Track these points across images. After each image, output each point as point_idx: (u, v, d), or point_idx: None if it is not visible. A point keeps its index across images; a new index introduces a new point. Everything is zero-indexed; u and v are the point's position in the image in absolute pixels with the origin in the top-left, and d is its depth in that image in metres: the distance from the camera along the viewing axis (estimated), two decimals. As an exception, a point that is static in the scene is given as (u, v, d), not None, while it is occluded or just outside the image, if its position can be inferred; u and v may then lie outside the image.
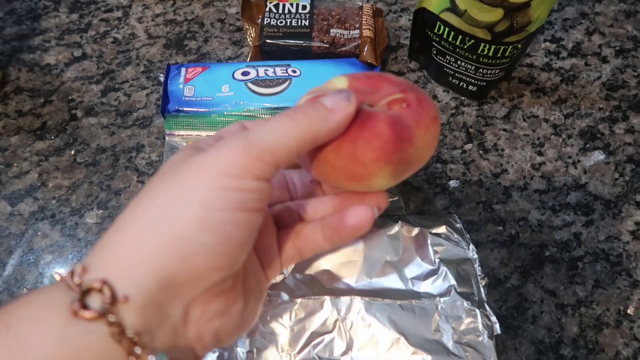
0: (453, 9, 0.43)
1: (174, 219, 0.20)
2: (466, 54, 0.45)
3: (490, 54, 0.44)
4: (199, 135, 0.45)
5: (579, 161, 0.47)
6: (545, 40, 0.54)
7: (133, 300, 0.19)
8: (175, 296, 0.21)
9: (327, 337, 0.34)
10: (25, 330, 0.18)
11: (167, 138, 0.44)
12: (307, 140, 0.23)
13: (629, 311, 0.40)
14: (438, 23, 0.45)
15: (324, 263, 0.38)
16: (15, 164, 0.46)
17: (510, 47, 0.43)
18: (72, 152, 0.47)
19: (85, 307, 0.19)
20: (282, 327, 0.35)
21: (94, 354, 0.18)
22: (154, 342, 0.20)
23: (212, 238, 0.20)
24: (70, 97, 0.50)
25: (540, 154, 0.47)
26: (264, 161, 0.21)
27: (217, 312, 0.23)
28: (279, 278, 0.38)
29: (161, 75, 0.52)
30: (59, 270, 0.22)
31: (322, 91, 0.27)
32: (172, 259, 0.20)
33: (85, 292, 0.19)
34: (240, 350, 0.34)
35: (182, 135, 0.44)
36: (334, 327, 0.35)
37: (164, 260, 0.20)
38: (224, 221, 0.21)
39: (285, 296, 0.36)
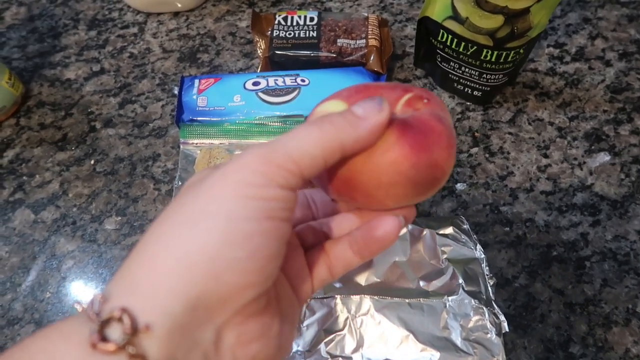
0: (455, 16, 0.44)
1: (197, 234, 0.19)
2: (470, 60, 0.47)
3: (493, 59, 0.45)
4: (212, 143, 0.46)
5: (584, 163, 0.47)
6: (548, 46, 0.55)
7: (156, 328, 0.17)
8: (205, 320, 0.19)
9: (339, 335, 0.35)
10: None
11: (181, 146, 0.46)
12: (334, 148, 0.20)
13: (637, 309, 0.40)
14: (441, 31, 0.46)
15: (334, 264, 0.40)
16: (38, 174, 0.48)
17: (512, 52, 0.45)
18: (92, 162, 0.49)
19: (104, 338, 0.17)
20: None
21: None
22: None
23: (240, 252, 0.19)
24: (89, 110, 0.53)
25: (545, 156, 0.48)
26: (287, 169, 0.20)
27: (254, 335, 0.21)
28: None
29: (175, 87, 0.54)
30: (80, 302, 0.20)
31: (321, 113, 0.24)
32: (198, 278, 0.18)
33: (104, 323, 0.17)
34: (254, 348, 0.35)
35: (196, 144, 0.46)
36: (344, 325, 0.36)
37: (190, 280, 0.18)
38: (251, 232, 0.19)
39: (297, 296, 0.37)
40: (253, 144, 0.46)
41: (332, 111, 0.22)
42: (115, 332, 0.17)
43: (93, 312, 0.18)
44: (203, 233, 0.19)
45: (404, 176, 0.21)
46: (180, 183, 0.44)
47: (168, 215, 0.20)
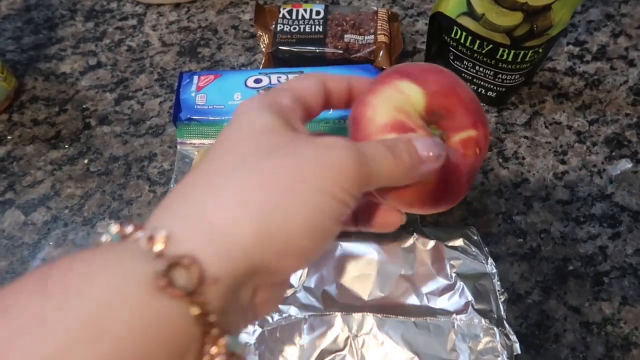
0: (470, 13, 0.41)
1: (282, 210, 0.19)
2: (484, 59, 0.44)
3: (510, 59, 0.43)
4: (211, 143, 0.44)
5: (604, 170, 0.45)
6: (568, 44, 0.52)
7: (221, 283, 0.18)
8: (253, 282, 0.20)
9: (338, 356, 0.33)
10: (103, 298, 0.16)
11: (178, 147, 0.44)
12: (391, 182, 0.23)
13: (659, 330, 0.38)
14: (455, 27, 0.43)
15: (337, 277, 0.37)
16: (29, 173, 0.46)
17: (531, 51, 0.42)
18: (86, 161, 0.47)
19: (170, 283, 0.17)
20: (291, 344, 0.34)
21: (173, 333, 0.17)
22: (229, 324, 0.19)
23: (309, 243, 0.20)
24: (84, 106, 0.50)
25: (563, 162, 0.45)
26: (365, 185, 0.22)
27: (273, 299, 0.23)
28: (289, 292, 0.37)
29: (175, 83, 0.51)
30: (118, 223, 0.19)
31: (398, 101, 0.26)
32: (269, 251, 0.19)
33: (170, 266, 0.17)
34: (249, 367, 0.33)
35: (194, 144, 0.44)
36: (345, 345, 0.34)
37: (261, 250, 0.19)
38: (325, 230, 0.21)
39: (295, 312, 0.35)
40: None
41: (408, 94, 0.25)
42: (181, 278, 0.17)
43: (154, 249, 0.17)
44: (289, 211, 0.19)
45: (427, 207, 0.27)
46: (175, 186, 0.42)
47: (254, 168, 0.20)
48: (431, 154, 0.24)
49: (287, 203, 0.19)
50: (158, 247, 0.17)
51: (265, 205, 0.19)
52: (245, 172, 0.20)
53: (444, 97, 0.27)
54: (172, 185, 0.42)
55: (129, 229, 0.19)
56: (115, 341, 0.16)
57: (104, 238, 0.19)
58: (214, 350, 0.18)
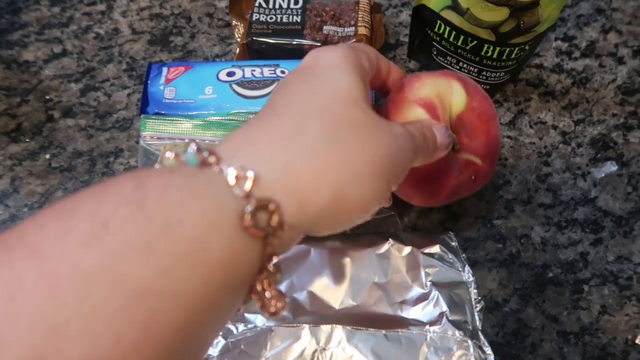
0: (454, 7, 0.39)
1: (355, 189, 0.21)
2: (468, 55, 0.42)
3: (495, 56, 0.41)
4: (180, 139, 0.42)
5: (588, 173, 0.43)
6: (556, 39, 0.50)
7: (294, 229, 0.20)
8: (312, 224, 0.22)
9: (305, 370, 0.32)
10: (199, 230, 0.17)
11: (141, 141, 0.41)
12: (410, 166, 0.25)
13: (637, 341, 0.37)
14: (438, 22, 0.41)
15: (308, 284, 0.36)
16: (-13, 169, 0.44)
17: (517, 49, 0.40)
18: (47, 156, 0.45)
19: (255, 223, 0.18)
20: (256, 358, 0.32)
21: (245, 268, 0.19)
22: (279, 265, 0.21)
23: (356, 220, 0.23)
24: (47, 97, 0.48)
25: (546, 164, 0.44)
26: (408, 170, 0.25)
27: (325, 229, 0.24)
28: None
29: (144, 73, 0.49)
30: (189, 154, 0.20)
31: (443, 92, 0.32)
32: (330, 219, 0.22)
33: (257, 207, 0.18)
34: (212, 381, 0.32)
35: (159, 138, 0.41)
36: (312, 359, 0.32)
37: (327, 215, 0.21)
38: (372, 212, 0.23)
39: (261, 322, 0.33)
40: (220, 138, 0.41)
41: (454, 93, 0.32)
42: (262, 220, 0.19)
43: (243, 189, 0.19)
44: (359, 190, 0.22)
45: (405, 194, 0.36)
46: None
47: (342, 138, 0.22)
48: (444, 143, 0.28)
49: (361, 181, 0.22)
50: (247, 186, 0.19)
51: (345, 176, 0.21)
52: (333, 141, 0.21)
53: (478, 118, 0.32)
54: None
55: (210, 158, 0.19)
56: (209, 269, 0.17)
57: (180, 157, 0.20)
58: (266, 285, 0.20)
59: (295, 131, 0.21)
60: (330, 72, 0.23)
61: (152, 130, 0.41)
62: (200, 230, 0.17)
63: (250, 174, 0.19)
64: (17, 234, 0.16)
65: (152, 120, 0.41)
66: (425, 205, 0.36)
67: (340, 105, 0.22)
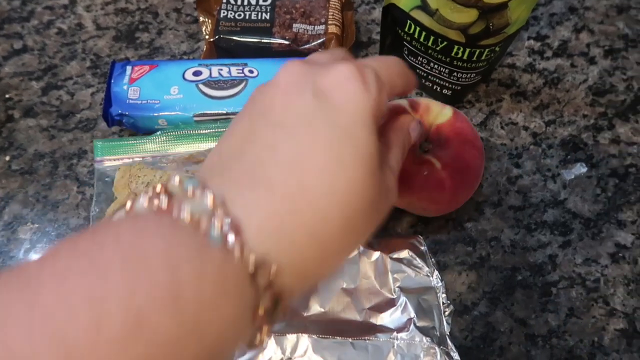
0: (424, 7, 0.38)
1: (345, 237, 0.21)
2: (439, 56, 0.41)
3: (465, 57, 0.40)
4: (132, 159, 0.40)
5: (558, 174, 0.43)
6: (529, 38, 0.50)
7: (293, 294, 0.20)
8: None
9: (269, 380, 0.31)
10: (222, 332, 0.17)
11: (96, 165, 0.40)
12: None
13: (603, 343, 0.37)
14: (408, 21, 0.40)
15: (274, 290, 0.35)
16: (-58, 172, 0.42)
17: (487, 50, 0.39)
18: (7, 158, 0.43)
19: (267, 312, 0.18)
20: (219, 369, 0.31)
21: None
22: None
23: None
24: (7, 96, 0.46)
25: (517, 165, 0.44)
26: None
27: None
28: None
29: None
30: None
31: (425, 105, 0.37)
32: (326, 256, 0.21)
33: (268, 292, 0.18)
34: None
35: (114, 159, 0.40)
36: (278, 368, 0.32)
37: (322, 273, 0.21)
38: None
39: (226, 331, 0.33)
40: (181, 153, 0.40)
41: (442, 117, 0.37)
42: (262, 280, 0.18)
43: (263, 282, 0.18)
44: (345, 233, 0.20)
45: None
46: (97, 210, 0.38)
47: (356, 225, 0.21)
48: (417, 137, 0.29)
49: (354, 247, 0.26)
50: (266, 278, 0.18)
51: (349, 250, 0.23)
52: (351, 232, 0.21)
53: (455, 135, 0.36)
54: (93, 209, 0.38)
55: (230, 235, 0.18)
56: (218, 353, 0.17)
57: (194, 218, 0.18)
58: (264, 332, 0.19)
59: (317, 221, 0.19)
60: (359, 132, 0.20)
61: (105, 154, 0.40)
62: (224, 328, 0.17)
63: (273, 268, 0.18)
64: (27, 281, 0.15)
65: (104, 144, 0.40)
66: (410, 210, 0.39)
67: (368, 191, 0.21)
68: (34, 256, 0.39)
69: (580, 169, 0.44)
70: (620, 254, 0.40)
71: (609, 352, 0.36)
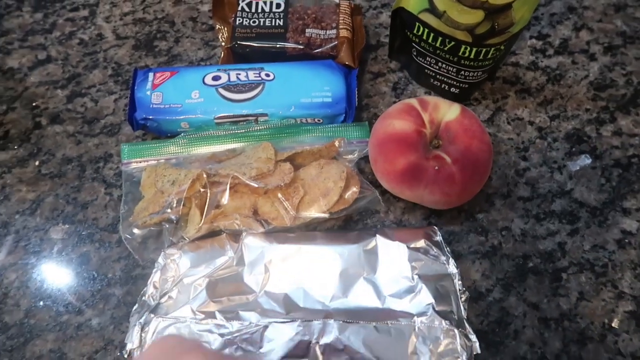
0: (432, 9, 0.40)
1: None
2: (447, 56, 0.43)
3: (472, 56, 0.42)
4: (157, 160, 0.42)
5: (564, 166, 0.45)
6: (531, 37, 0.52)
7: None
8: None
9: (299, 363, 0.33)
10: None
11: (123, 167, 0.42)
12: None
13: (613, 324, 0.39)
14: (417, 24, 0.42)
15: (299, 281, 0.37)
16: (-25, 177, 0.44)
17: (493, 49, 0.41)
18: (37, 162, 0.45)
19: None
20: (252, 353, 0.33)
21: None
22: None
23: None
24: (34, 104, 0.48)
25: (524, 159, 0.46)
26: None
27: None
28: (250, 297, 0.36)
29: (130, 78, 0.49)
30: None
31: (434, 104, 0.40)
32: None
33: None
34: (208, 379, 0.33)
35: (140, 161, 0.42)
36: (307, 352, 0.33)
37: None
38: None
39: (256, 319, 0.35)
40: (203, 154, 0.43)
41: (450, 114, 0.40)
42: None
43: None
44: None
45: (394, 184, 0.41)
46: (126, 208, 0.40)
47: None
48: None
49: None
50: None
51: None
52: None
53: (464, 131, 0.38)
54: (122, 208, 0.40)
55: None
56: None
57: None
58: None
59: None
60: None
61: (131, 157, 0.42)
62: None
63: None
64: None
65: (130, 147, 0.43)
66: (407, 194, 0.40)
67: None
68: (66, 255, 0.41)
69: (585, 160, 0.45)
70: (627, 240, 0.42)
71: (619, 333, 0.38)
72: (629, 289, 0.40)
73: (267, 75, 0.45)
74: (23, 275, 0.40)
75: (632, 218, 0.43)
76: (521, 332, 0.38)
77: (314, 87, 0.44)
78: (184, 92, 0.44)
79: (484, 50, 0.41)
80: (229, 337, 0.34)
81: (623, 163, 0.45)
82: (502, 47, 0.42)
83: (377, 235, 0.39)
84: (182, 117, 0.43)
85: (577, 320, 0.39)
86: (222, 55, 0.48)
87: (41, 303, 0.39)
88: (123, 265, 0.40)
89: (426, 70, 0.46)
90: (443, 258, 0.38)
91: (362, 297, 0.36)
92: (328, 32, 0.47)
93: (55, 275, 0.40)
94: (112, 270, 0.40)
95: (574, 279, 0.40)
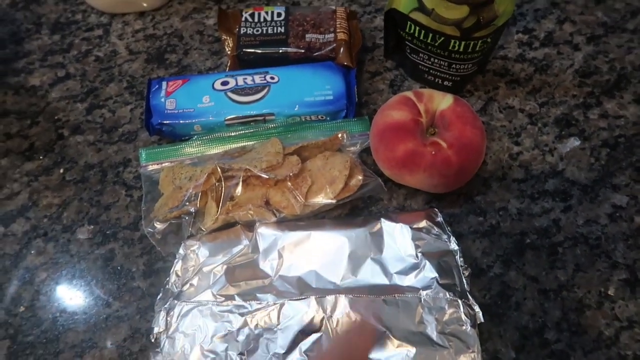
0: (421, 8, 0.44)
1: None
2: (438, 51, 0.47)
3: (461, 49, 0.45)
4: (173, 162, 0.46)
5: (555, 148, 0.48)
6: (517, 32, 0.55)
7: None
8: None
9: (315, 336, 0.35)
10: None
11: (142, 170, 0.45)
12: None
13: (609, 292, 0.41)
14: (408, 22, 0.46)
15: (310, 264, 0.39)
16: (5, 186, 0.47)
17: (480, 41, 0.44)
18: (61, 170, 0.48)
19: None
20: (269, 329, 0.36)
21: None
22: None
23: None
24: (56, 117, 0.51)
25: (517, 143, 0.48)
26: None
27: None
28: (266, 281, 0.39)
29: (144, 89, 0.53)
30: None
31: (429, 95, 0.43)
32: None
33: None
34: (231, 354, 0.35)
35: (157, 164, 0.46)
36: (320, 326, 0.36)
37: None
38: None
39: (272, 299, 0.37)
40: (216, 154, 0.46)
41: (444, 104, 0.42)
42: None
43: None
44: None
45: (394, 169, 0.44)
46: (147, 206, 0.43)
47: None
48: None
49: None
50: None
51: None
52: None
53: (457, 118, 0.41)
54: (143, 205, 0.44)
55: None
56: None
57: None
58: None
59: None
60: None
61: (149, 160, 0.46)
62: None
63: None
64: None
65: (147, 151, 0.46)
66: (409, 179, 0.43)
67: None
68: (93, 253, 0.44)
69: (574, 142, 0.48)
70: (617, 214, 0.44)
71: (615, 300, 0.40)
72: (622, 259, 0.42)
73: (272, 78, 0.48)
74: (53, 273, 0.43)
75: (622, 193, 0.45)
76: (522, 303, 0.41)
77: (315, 86, 0.47)
78: (195, 97, 0.47)
79: (472, 43, 0.44)
80: (248, 316, 0.37)
81: (610, 143, 0.48)
82: (489, 40, 0.45)
83: (382, 219, 0.41)
84: (194, 120, 0.47)
85: (574, 290, 0.41)
86: (229, 63, 0.52)
87: (71, 298, 0.42)
88: (145, 260, 0.43)
89: (420, 66, 0.50)
90: (444, 236, 0.41)
91: (370, 275, 0.39)
92: (326, 36, 0.51)
93: (83, 271, 0.43)
94: (136, 265, 0.43)
95: (570, 252, 0.43)
